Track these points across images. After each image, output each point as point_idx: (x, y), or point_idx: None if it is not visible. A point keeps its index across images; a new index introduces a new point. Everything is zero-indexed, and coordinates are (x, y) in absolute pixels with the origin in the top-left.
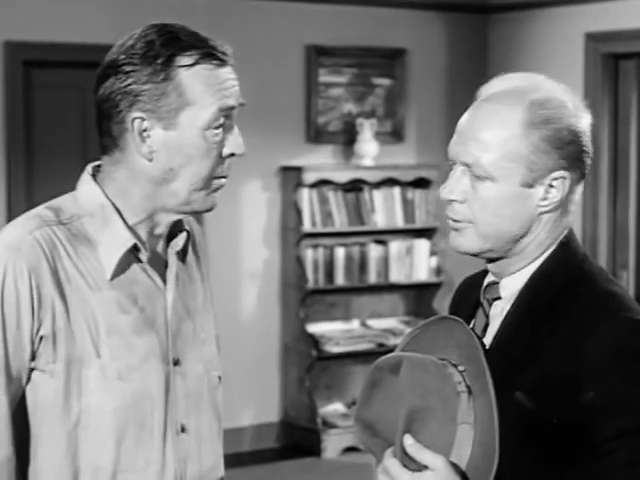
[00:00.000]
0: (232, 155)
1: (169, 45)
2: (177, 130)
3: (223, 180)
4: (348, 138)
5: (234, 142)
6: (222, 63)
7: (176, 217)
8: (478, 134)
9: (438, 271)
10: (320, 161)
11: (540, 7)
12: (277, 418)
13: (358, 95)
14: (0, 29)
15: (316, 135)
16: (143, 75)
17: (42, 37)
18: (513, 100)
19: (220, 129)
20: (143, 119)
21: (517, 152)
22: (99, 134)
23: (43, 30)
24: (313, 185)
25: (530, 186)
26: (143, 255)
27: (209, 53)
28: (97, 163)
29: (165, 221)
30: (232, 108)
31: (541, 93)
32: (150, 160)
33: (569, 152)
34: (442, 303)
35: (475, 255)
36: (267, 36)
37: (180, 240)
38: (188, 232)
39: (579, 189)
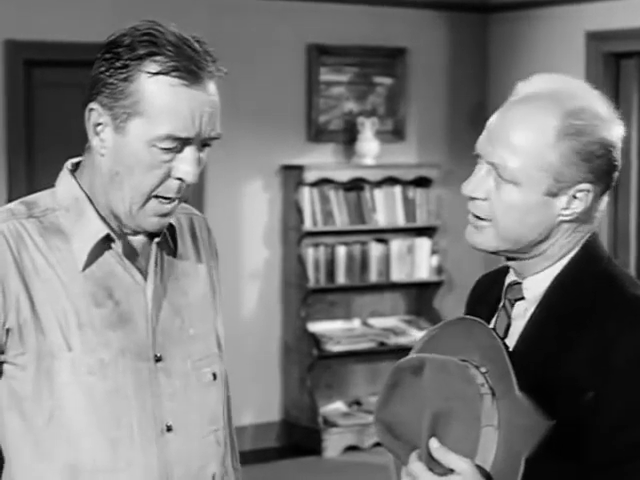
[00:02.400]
0: (181, 180)
1: (144, 45)
2: (125, 136)
3: (168, 206)
4: (349, 137)
5: (183, 169)
6: (196, 81)
7: (135, 235)
8: (509, 137)
9: (439, 270)
10: (321, 160)
11: (541, 6)
12: (278, 417)
13: (359, 94)
14: (1, 28)
15: (317, 134)
16: (113, 67)
17: (43, 36)
18: (548, 106)
19: (171, 152)
20: (99, 113)
21: (546, 161)
22: None
23: (44, 29)
24: (314, 184)
25: (554, 195)
26: (117, 246)
27: (180, 67)
28: (77, 159)
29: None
30: (187, 140)
31: (577, 102)
32: (102, 155)
33: (598, 165)
34: (443, 302)
35: (492, 253)
36: (268, 35)
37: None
38: (172, 225)
39: (605, 199)
